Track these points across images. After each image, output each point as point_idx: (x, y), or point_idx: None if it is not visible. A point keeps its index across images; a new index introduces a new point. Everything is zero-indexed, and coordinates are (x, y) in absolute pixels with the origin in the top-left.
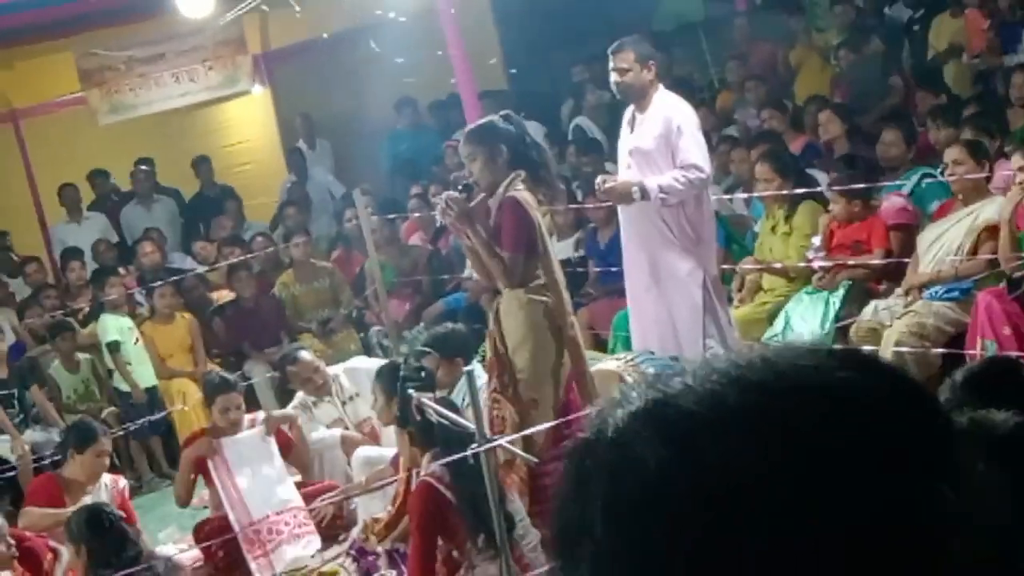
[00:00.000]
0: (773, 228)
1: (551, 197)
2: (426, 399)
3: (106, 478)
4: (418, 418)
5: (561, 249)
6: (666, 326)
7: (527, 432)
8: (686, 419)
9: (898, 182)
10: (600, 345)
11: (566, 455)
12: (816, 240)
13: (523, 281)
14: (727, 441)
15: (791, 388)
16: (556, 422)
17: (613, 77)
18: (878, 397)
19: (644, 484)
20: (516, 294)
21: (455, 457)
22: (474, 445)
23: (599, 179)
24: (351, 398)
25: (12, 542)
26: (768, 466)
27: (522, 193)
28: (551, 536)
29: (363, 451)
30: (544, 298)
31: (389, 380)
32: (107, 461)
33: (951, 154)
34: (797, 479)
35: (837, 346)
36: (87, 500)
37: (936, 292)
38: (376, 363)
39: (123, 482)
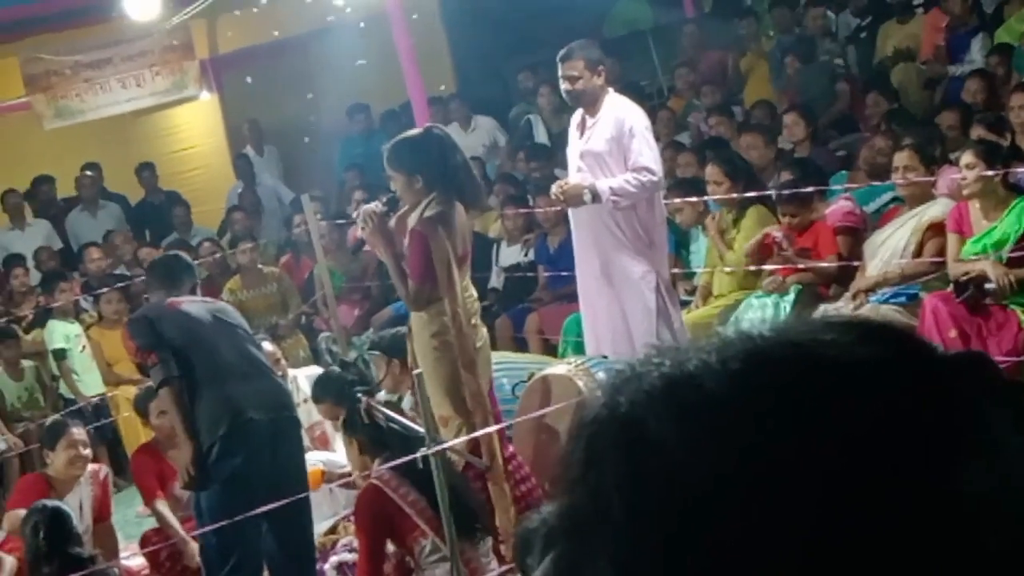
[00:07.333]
0: (721, 231)
1: (478, 209)
2: (374, 403)
3: (88, 468)
4: (366, 422)
5: (510, 254)
6: (619, 329)
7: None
8: (707, 398)
9: (842, 186)
10: (550, 350)
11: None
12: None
13: (427, 305)
14: (752, 423)
15: (813, 367)
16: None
17: (563, 85)
18: (904, 374)
19: (664, 465)
20: (418, 315)
21: (406, 459)
22: (423, 448)
23: (555, 185)
24: (305, 401)
25: None
26: (796, 449)
27: (432, 220)
28: (558, 522)
29: (313, 456)
30: (444, 317)
31: (333, 386)
32: (85, 451)
33: (901, 159)
34: (828, 461)
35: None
36: (72, 496)
37: (883, 296)
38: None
39: (104, 471)
